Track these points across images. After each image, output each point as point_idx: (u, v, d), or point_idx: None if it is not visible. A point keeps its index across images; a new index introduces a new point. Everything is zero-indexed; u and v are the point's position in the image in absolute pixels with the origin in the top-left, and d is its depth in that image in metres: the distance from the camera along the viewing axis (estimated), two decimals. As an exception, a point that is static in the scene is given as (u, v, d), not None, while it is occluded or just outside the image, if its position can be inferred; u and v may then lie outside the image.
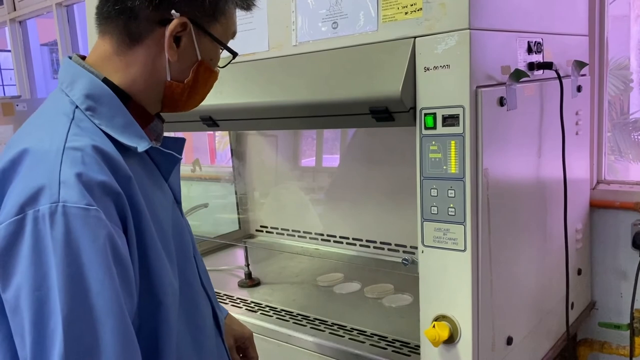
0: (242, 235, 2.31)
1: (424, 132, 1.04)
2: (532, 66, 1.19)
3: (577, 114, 1.42)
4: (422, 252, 1.08)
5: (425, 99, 1.04)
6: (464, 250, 1.02)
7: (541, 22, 1.24)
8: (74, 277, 0.66)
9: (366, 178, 1.90)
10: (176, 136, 0.96)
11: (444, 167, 1.03)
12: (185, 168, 2.42)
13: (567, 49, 1.39)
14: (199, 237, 2.20)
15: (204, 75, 0.87)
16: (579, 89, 1.40)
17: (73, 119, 0.76)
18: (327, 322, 1.41)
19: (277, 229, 2.26)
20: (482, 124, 1.01)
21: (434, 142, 1.04)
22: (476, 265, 1.03)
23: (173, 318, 0.81)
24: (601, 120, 1.58)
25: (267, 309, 1.53)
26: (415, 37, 1.04)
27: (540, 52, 1.23)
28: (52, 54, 7.32)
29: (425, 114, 1.04)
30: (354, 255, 1.94)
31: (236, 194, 2.32)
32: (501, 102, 1.07)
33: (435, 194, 1.04)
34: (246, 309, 1.54)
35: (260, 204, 2.30)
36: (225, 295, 1.66)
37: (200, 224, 2.29)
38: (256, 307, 1.55)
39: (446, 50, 1.01)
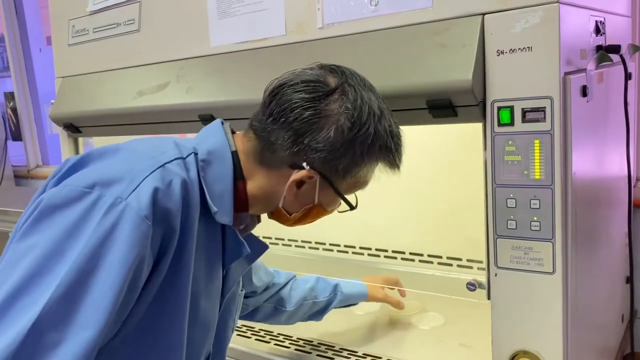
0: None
1: (498, 129, 0.86)
2: (599, 49, 1.02)
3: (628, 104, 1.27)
4: (496, 275, 0.89)
5: (499, 89, 0.85)
6: (552, 273, 0.84)
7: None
8: (87, 270, 0.66)
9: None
10: (262, 241, 0.94)
11: (525, 172, 0.84)
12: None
13: (614, 30, 1.23)
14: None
15: (315, 214, 0.88)
16: (630, 76, 1.25)
17: (184, 158, 0.80)
18: (356, 352, 1.21)
19: (270, 238, 2.04)
20: (571, 119, 0.83)
21: (510, 142, 0.85)
22: (566, 291, 0.85)
23: None
24: (641, 110, 1.43)
25: (280, 338, 1.32)
26: (484, 14, 0.85)
27: (604, 33, 1.07)
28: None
29: (500, 108, 0.85)
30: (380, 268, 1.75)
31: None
32: (584, 91, 0.89)
33: (514, 205, 0.86)
34: (256, 340, 1.32)
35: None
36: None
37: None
38: (267, 337, 1.33)
39: (527, 29, 0.82)
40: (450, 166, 1.55)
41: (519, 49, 0.83)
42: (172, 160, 0.77)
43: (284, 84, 0.81)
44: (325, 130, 0.78)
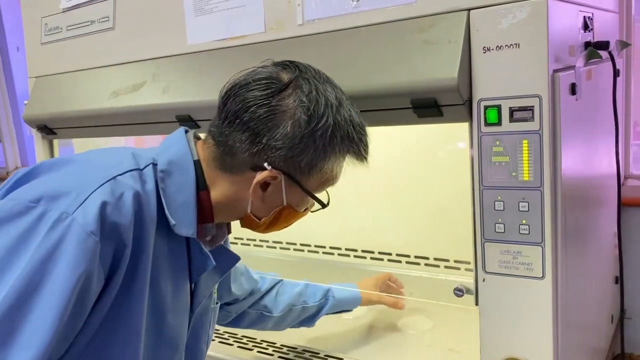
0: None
1: (485, 129, 0.82)
2: (588, 46, 1.00)
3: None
4: (484, 280, 0.86)
5: (486, 87, 0.82)
6: (541, 278, 0.81)
7: (590, -6, 1.05)
8: (30, 288, 0.63)
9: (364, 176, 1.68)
10: (233, 253, 0.91)
11: (513, 174, 0.81)
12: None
13: (602, 26, 1.20)
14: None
15: (287, 217, 0.84)
16: (617, 73, 1.22)
17: (141, 170, 0.77)
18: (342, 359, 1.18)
19: (254, 240, 2.00)
20: (560, 118, 0.80)
21: (498, 142, 0.82)
22: (556, 296, 0.82)
23: None
24: (628, 106, 1.41)
25: (264, 345, 1.28)
26: (469, 10, 0.82)
27: (592, 29, 1.04)
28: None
29: (486, 107, 0.82)
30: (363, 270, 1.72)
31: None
32: (573, 89, 0.86)
33: (502, 208, 0.83)
34: (239, 347, 1.28)
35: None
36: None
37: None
38: (250, 344, 1.29)
39: (514, 24, 0.79)
40: (437, 166, 1.52)
41: (505, 45, 0.79)
42: (125, 172, 0.74)
43: (237, 84, 0.78)
44: (282, 127, 0.74)
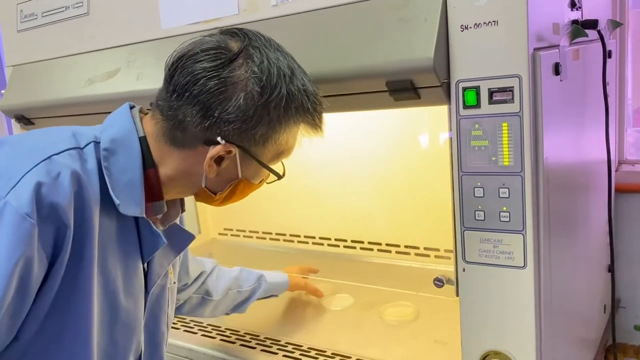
0: (205, 241, 2.01)
1: (463, 112, 0.78)
2: (574, 24, 0.95)
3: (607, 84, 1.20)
4: (464, 270, 0.82)
5: (464, 67, 0.78)
6: (523, 267, 0.78)
7: (578, -29, 1.01)
8: None
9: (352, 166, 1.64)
10: (188, 231, 0.89)
11: (493, 159, 0.77)
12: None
13: (593, 5, 1.16)
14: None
15: (242, 190, 0.81)
16: (609, 54, 1.18)
17: (81, 148, 0.73)
18: (325, 352, 1.14)
19: (244, 231, 1.97)
20: (542, 99, 0.76)
21: (477, 126, 0.78)
22: (539, 286, 0.78)
23: None
24: (622, 90, 1.37)
25: (227, 333, 1.25)
26: (446, -15, 0.78)
27: (580, 7, 1.00)
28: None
29: (465, 88, 0.78)
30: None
31: (194, 193, 2.01)
32: (556, 69, 0.82)
33: (481, 194, 0.79)
34: (202, 335, 1.25)
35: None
36: (176, 317, 1.36)
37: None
38: (214, 332, 1.26)
39: (493, 1, 0.74)
40: (426, 154, 1.49)
41: (484, 23, 0.75)
42: (62, 152, 0.70)
43: (184, 55, 0.74)
44: (234, 99, 0.71)
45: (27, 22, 1.37)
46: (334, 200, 1.72)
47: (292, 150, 0.81)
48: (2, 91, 1.43)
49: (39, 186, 0.65)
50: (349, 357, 1.12)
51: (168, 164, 0.77)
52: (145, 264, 0.83)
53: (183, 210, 0.87)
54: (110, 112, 1.22)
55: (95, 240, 0.71)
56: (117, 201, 0.73)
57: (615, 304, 1.40)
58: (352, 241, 1.73)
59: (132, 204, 0.74)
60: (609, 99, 1.08)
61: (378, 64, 0.81)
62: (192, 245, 2.12)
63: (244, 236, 1.97)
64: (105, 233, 0.74)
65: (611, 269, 1.14)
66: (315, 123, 0.78)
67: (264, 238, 1.92)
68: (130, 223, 0.78)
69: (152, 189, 0.77)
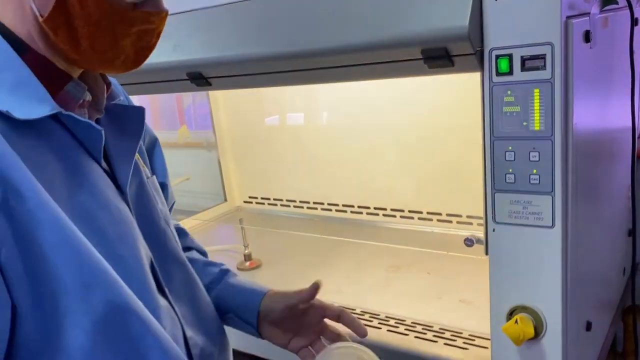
0: (230, 209, 2.07)
1: (496, 79, 0.82)
2: (604, -8, 0.97)
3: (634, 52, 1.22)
4: (494, 230, 0.87)
5: (497, 36, 0.80)
6: (551, 227, 0.82)
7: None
8: None
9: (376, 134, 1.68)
10: (132, 104, 0.79)
11: (524, 124, 0.81)
12: (168, 135, 2.14)
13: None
14: (183, 210, 1.95)
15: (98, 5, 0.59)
16: (636, 22, 1.19)
17: None
18: (354, 310, 1.20)
19: (268, 199, 2.02)
20: (573, 66, 0.79)
21: (509, 92, 0.81)
22: (566, 244, 0.83)
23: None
24: (646, 58, 1.38)
25: None
26: (481, -45, 0.80)
27: (608, -25, 1.01)
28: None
29: (498, 56, 0.81)
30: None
31: (219, 162, 2.06)
32: (587, 37, 0.84)
33: (512, 158, 0.83)
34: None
35: (248, 172, 2.05)
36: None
37: (181, 199, 2.04)
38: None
39: (526, -31, 0.77)
40: (449, 120, 1.52)
41: (518, -8, 0.78)
42: None
43: None
44: None
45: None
46: (358, 167, 1.76)
47: None
48: None
49: None
50: (378, 314, 1.17)
51: (7, 8, 0.60)
52: (105, 165, 0.70)
53: (108, 83, 0.72)
54: (145, 83, 1.27)
55: (22, 169, 0.55)
56: (16, 109, 0.57)
57: (635, 267, 1.44)
58: (375, 208, 1.78)
59: (31, 104, 0.58)
60: (635, 67, 1.10)
61: (414, 32, 0.84)
62: (219, 212, 2.19)
63: (269, 204, 2.03)
64: (38, 167, 0.58)
65: (632, 233, 1.18)
66: None
67: (288, 206, 1.98)
68: (53, 125, 0.62)
69: (49, 74, 0.62)
